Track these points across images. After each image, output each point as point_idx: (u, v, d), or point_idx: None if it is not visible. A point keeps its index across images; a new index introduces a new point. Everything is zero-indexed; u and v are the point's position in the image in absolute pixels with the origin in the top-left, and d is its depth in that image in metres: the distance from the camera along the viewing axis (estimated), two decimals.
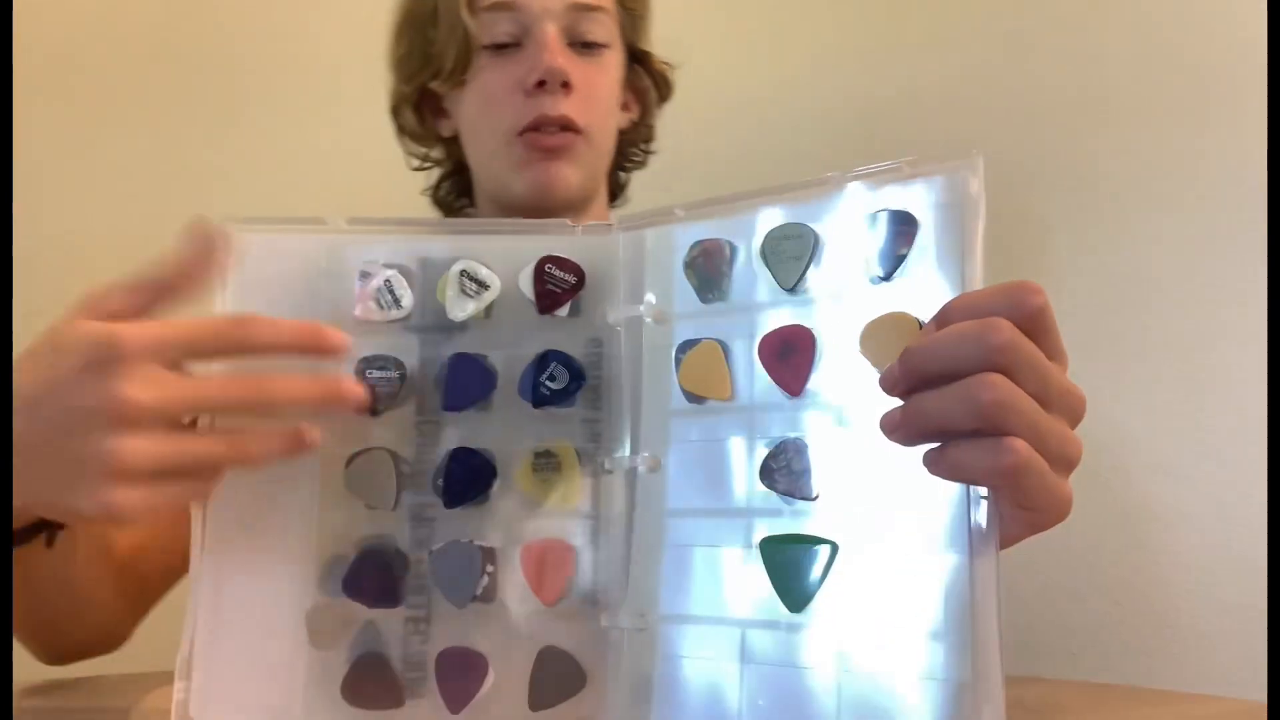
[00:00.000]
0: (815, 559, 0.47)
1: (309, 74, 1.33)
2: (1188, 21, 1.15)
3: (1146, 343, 1.15)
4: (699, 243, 0.54)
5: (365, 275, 0.56)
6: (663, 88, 0.96)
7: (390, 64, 0.90)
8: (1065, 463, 0.44)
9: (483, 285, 0.56)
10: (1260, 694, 0.51)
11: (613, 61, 0.87)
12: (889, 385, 0.45)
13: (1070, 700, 0.57)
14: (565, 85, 0.80)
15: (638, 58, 0.93)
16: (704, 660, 0.50)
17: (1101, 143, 1.18)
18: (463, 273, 0.56)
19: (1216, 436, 1.12)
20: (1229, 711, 0.52)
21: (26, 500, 0.48)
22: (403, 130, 0.93)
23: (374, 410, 0.55)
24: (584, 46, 0.83)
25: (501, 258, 0.57)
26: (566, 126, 0.81)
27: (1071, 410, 0.45)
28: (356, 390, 0.52)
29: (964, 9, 1.26)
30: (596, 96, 0.84)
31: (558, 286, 0.56)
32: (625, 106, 0.95)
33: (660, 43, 0.95)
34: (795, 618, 0.47)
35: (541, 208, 0.83)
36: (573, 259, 0.57)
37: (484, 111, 0.84)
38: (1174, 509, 1.13)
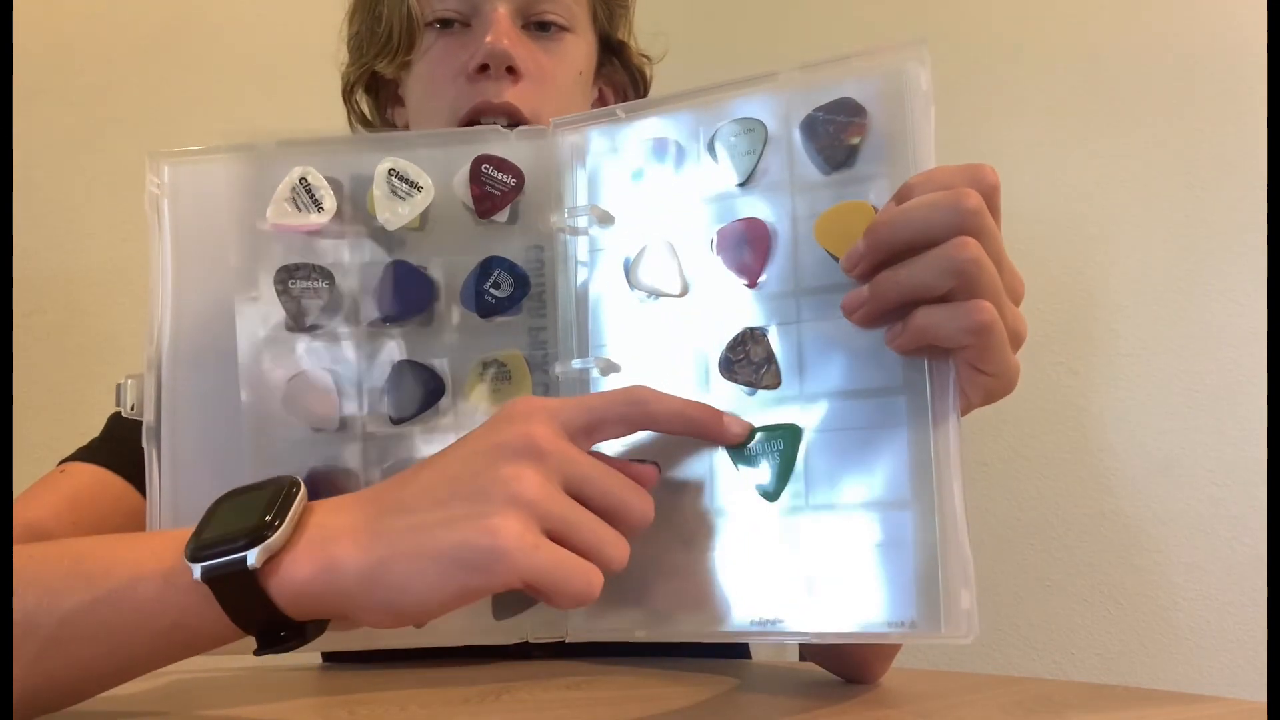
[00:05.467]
0: (782, 446, 0.48)
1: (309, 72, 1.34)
2: (1189, 21, 1.15)
3: (1146, 343, 1.15)
4: (643, 141, 0.53)
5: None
6: (639, 83, 0.87)
7: (347, 47, 0.84)
8: (1015, 336, 0.45)
9: (414, 186, 0.53)
10: (1260, 694, 0.51)
11: (575, 48, 0.78)
12: (852, 264, 0.45)
13: (1070, 700, 0.57)
14: (511, 71, 0.72)
15: (614, 49, 0.84)
16: (675, 559, 0.49)
17: (1100, 142, 1.18)
18: (391, 171, 0.53)
19: (1216, 436, 1.12)
20: (1229, 712, 0.52)
21: (381, 554, 0.41)
22: (354, 116, 0.86)
23: (303, 325, 0.53)
24: (539, 28, 0.75)
25: (434, 161, 0.54)
26: (510, 116, 0.72)
27: (1015, 290, 0.46)
28: (740, 425, 0.48)
29: (958, 8, 1.26)
30: (550, 84, 0.75)
31: (496, 188, 0.53)
32: (603, 102, 0.85)
33: (644, 36, 0.88)
34: (771, 505, 0.48)
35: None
36: (511, 160, 0.54)
37: (426, 96, 0.77)
38: (1174, 509, 1.13)
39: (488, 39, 0.71)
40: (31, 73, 1.28)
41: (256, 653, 0.44)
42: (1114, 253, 1.17)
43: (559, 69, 0.76)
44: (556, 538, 0.41)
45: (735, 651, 0.86)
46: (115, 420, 0.73)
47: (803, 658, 0.69)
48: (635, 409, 0.46)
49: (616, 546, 0.43)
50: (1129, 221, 1.17)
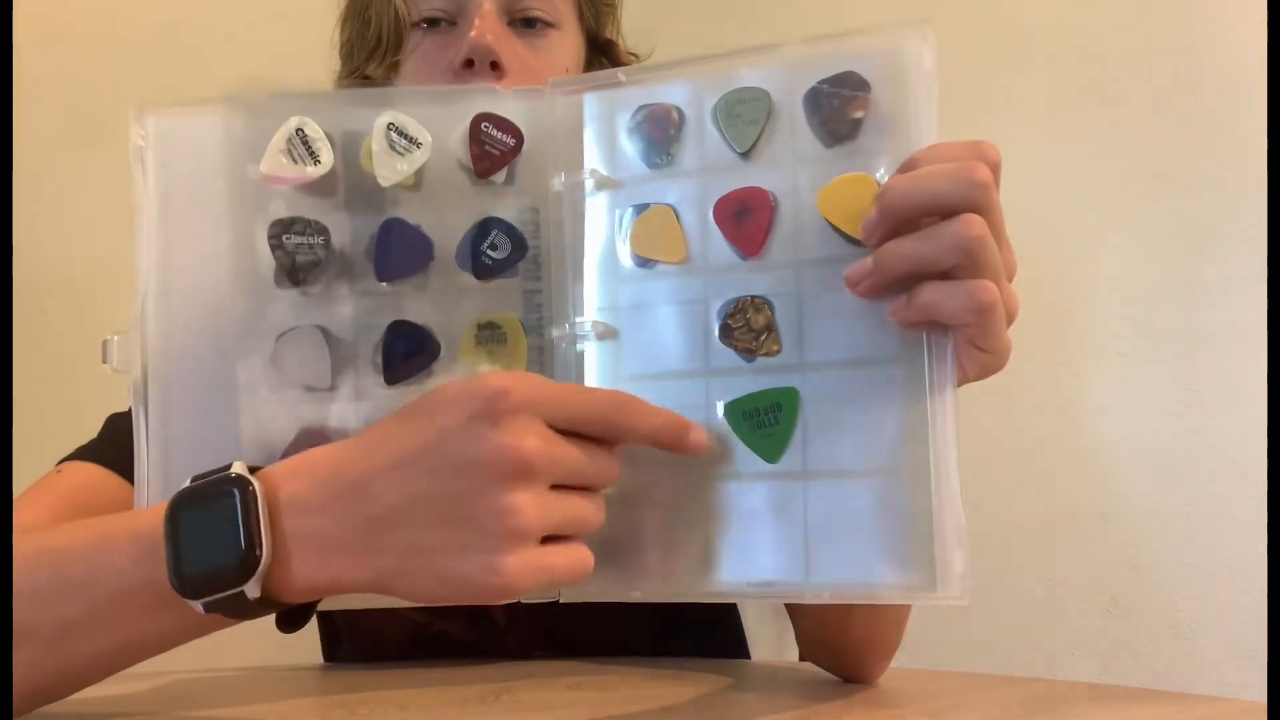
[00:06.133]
0: (781, 409, 0.48)
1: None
2: (1189, 20, 1.15)
3: (1146, 343, 1.15)
4: (643, 107, 0.53)
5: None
6: None
7: (339, 54, 0.84)
8: (1010, 313, 0.46)
9: (413, 142, 0.52)
10: (1260, 694, 0.51)
11: (562, 44, 0.78)
12: (869, 233, 0.46)
13: (1070, 700, 0.57)
14: (495, 66, 0.71)
15: (601, 48, 0.85)
16: (672, 522, 0.49)
17: (1100, 140, 1.18)
18: (391, 125, 0.52)
19: (1216, 436, 1.12)
20: (1229, 711, 0.52)
21: (383, 569, 0.43)
22: None
23: (297, 281, 0.52)
24: (525, 24, 0.76)
25: (433, 117, 0.53)
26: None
27: (1011, 267, 0.46)
28: (701, 438, 0.48)
29: (956, 6, 1.26)
30: (535, 81, 0.74)
31: (496, 148, 0.53)
32: None
33: (632, 36, 0.87)
34: (769, 469, 0.48)
35: None
36: (510, 120, 0.53)
37: None
38: (1174, 509, 1.13)
39: (471, 34, 0.71)
40: (32, 72, 1.28)
41: (281, 629, 0.47)
42: (1114, 252, 1.17)
43: (545, 65, 0.75)
44: (547, 535, 0.43)
45: (735, 652, 0.86)
46: (113, 419, 0.73)
47: (802, 658, 0.69)
48: (613, 430, 0.46)
49: (597, 513, 0.46)
50: (1129, 220, 1.17)
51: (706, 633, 0.82)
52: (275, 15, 1.38)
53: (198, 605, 0.42)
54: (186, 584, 0.42)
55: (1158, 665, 1.13)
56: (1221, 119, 1.13)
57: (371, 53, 0.79)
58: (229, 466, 0.44)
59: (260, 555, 0.42)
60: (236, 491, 0.43)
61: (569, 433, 0.45)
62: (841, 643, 0.62)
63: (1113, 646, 1.15)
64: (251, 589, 0.42)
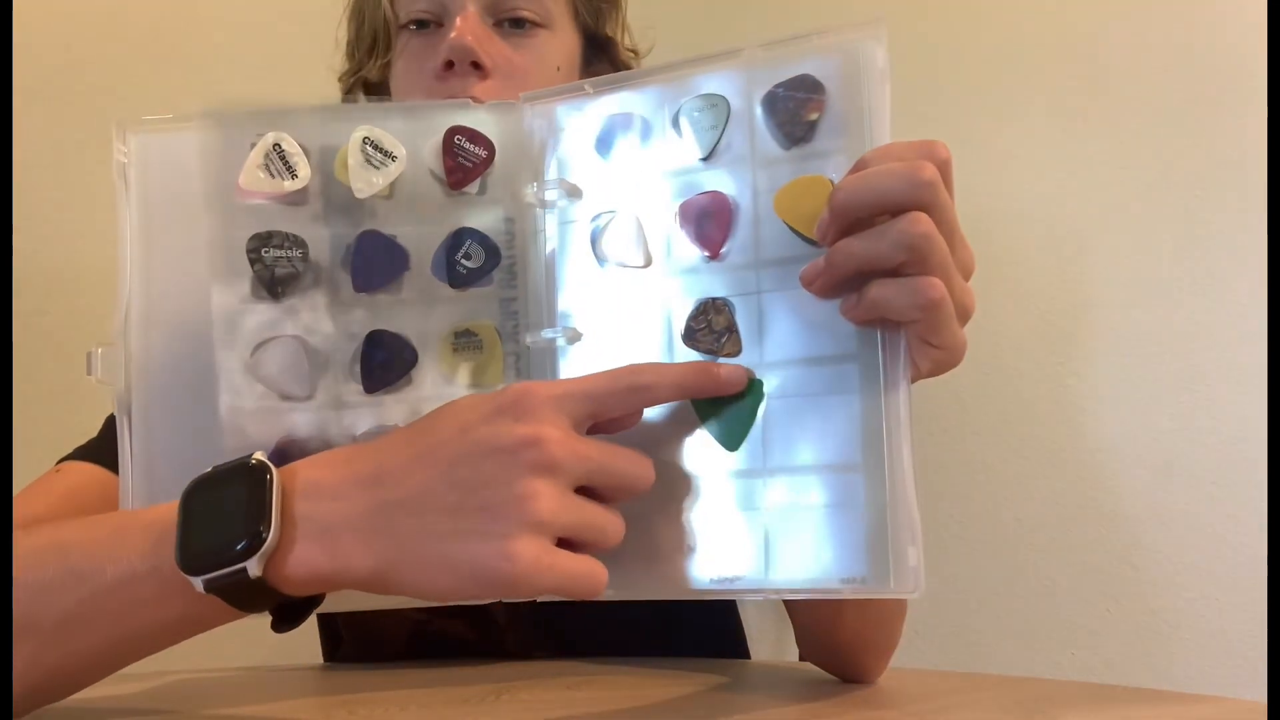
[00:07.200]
0: (745, 403, 0.49)
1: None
2: (1188, 20, 1.15)
3: (1146, 343, 1.15)
4: (610, 116, 0.55)
5: (253, 146, 0.54)
6: None
7: (344, 53, 0.86)
8: (964, 310, 0.46)
9: (388, 155, 0.54)
10: (1260, 694, 0.51)
11: (552, 44, 0.78)
12: (822, 234, 0.47)
13: (1070, 700, 0.57)
14: (477, 67, 0.71)
15: (601, 45, 0.84)
16: (639, 521, 0.50)
17: (1100, 141, 1.18)
18: (366, 140, 0.54)
19: (1216, 436, 1.12)
20: (1229, 711, 0.52)
21: (390, 555, 0.43)
22: None
23: (275, 293, 0.53)
24: (514, 25, 0.75)
25: (407, 131, 0.54)
26: None
27: (966, 265, 0.47)
28: (737, 371, 0.49)
29: (956, 6, 1.26)
30: (521, 81, 0.73)
31: (468, 160, 0.55)
32: None
33: (637, 30, 0.88)
34: (732, 456, 0.49)
35: None
36: (482, 132, 0.55)
37: (402, 96, 0.78)
38: (1174, 509, 1.13)
39: (451, 36, 0.72)
40: (32, 73, 1.28)
41: (275, 629, 0.46)
42: (1114, 253, 1.17)
43: (532, 65, 0.76)
44: (566, 541, 0.43)
45: (735, 652, 0.86)
46: (113, 420, 0.73)
47: (802, 658, 0.69)
48: (638, 395, 0.47)
49: (617, 528, 0.46)
50: (1128, 221, 1.16)
51: (707, 632, 0.82)
52: (278, 17, 1.38)
53: (198, 583, 0.42)
54: (190, 558, 0.43)
55: (1158, 665, 1.13)
56: (1222, 119, 1.13)
57: (368, 53, 0.80)
58: (250, 456, 0.45)
59: (266, 534, 0.42)
60: (251, 474, 0.44)
61: (598, 429, 0.46)
62: (834, 640, 0.63)
63: (1113, 647, 1.15)
64: (253, 567, 0.42)
